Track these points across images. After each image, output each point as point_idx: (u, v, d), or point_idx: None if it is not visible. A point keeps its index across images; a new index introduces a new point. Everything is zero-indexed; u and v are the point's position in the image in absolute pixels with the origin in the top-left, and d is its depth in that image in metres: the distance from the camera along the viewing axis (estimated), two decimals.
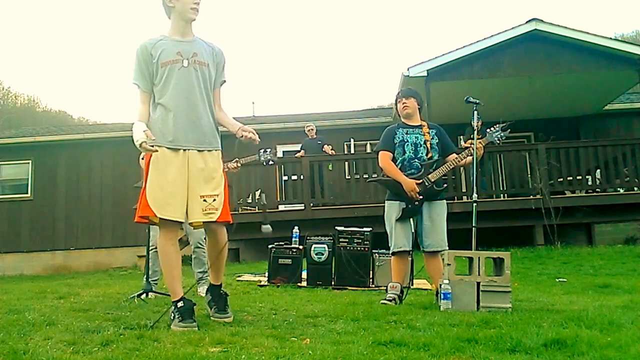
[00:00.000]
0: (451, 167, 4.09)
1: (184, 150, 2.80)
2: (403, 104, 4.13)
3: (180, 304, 2.74)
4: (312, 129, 10.22)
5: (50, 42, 73.87)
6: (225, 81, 3.03)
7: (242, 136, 2.87)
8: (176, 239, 2.93)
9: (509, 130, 4.12)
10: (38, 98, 44.37)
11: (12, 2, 65.73)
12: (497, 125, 4.14)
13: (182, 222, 2.85)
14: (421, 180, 3.92)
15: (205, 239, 4.66)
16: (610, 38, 10.60)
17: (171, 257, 2.84)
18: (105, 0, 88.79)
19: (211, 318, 2.97)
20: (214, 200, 2.80)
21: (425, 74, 9.81)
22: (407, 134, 4.06)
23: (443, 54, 9.90)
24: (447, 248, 3.89)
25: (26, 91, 52.97)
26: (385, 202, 4.10)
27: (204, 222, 2.86)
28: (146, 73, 2.84)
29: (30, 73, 65.83)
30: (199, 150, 2.83)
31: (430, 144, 4.04)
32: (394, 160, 4.04)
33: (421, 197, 3.91)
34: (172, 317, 2.75)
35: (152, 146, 2.65)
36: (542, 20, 9.80)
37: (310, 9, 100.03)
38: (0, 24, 66.88)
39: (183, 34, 2.89)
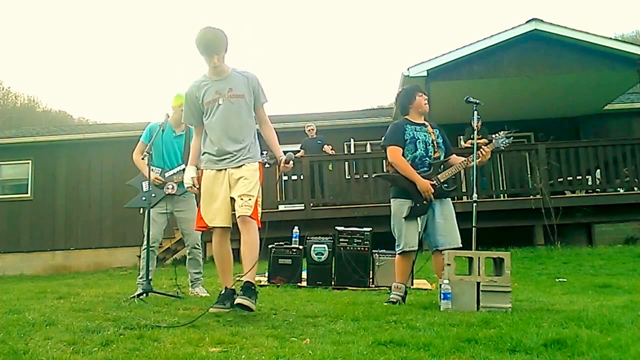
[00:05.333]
0: (459, 170, 4.09)
1: (225, 169, 3.37)
2: (426, 99, 4.10)
3: (222, 292, 3.40)
4: (312, 129, 10.22)
5: (50, 43, 73.94)
6: (266, 101, 3.51)
7: (282, 171, 3.51)
8: (227, 240, 3.47)
9: (513, 137, 4.18)
10: (38, 98, 44.32)
11: (12, 2, 65.78)
12: (502, 132, 4.17)
13: (230, 227, 3.41)
14: (433, 180, 3.92)
15: (201, 240, 4.70)
16: (610, 38, 10.61)
17: (223, 256, 3.46)
18: (105, 1, 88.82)
19: (236, 300, 3.15)
20: (249, 199, 3.28)
21: (425, 74, 9.81)
22: (416, 131, 4.02)
23: (443, 54, 9.90)
24: (462, 245, 3.89)
25: (26, 91, 52.88)
26: (393, 200, 4.02)
27: (238, 217, 3.29)
28: (195, 112, 3.47)
29: (30, 73, 65.86)
30: (237, 167, 3.37)
31: (437, 143, 4.04)
32: (403, 156, 3.97)
33: (433, 198, 3.91)
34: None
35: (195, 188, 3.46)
36: (542, 20, 9.80)
37: (311, 8, 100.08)
38: (1, 24, 66.92)
39: (218, 73, 3.39)
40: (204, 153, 3.45)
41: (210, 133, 3.40)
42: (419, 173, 3.93)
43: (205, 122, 3.42)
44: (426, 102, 4.10)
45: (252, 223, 3.30)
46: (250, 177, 3.32)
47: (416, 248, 3.92)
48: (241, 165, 3.35)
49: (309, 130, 10.21)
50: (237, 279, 3.48)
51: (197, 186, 3.44)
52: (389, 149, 4.02)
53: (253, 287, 3.22)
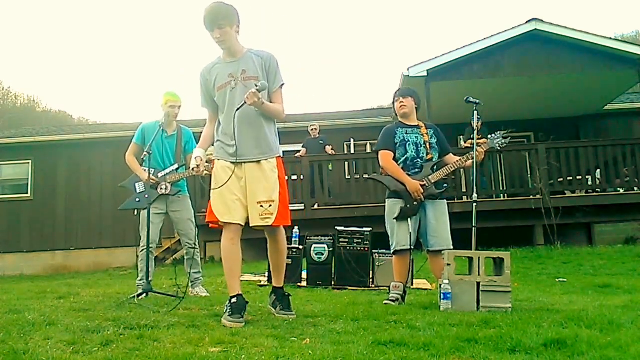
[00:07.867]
0: (452, 170, 4.10)
1: (241, 163, 3.05)
2: (400, 103, 4.15)
3: (234, 300, 2.95)
4: (315, 129, 10.22)
5: (50, 43, 73.90)
6: (283, 84, 3.13)
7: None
8: (238, 239, 3.09)
9: (510, 138, 4.16)
10: (38, 98, 44.46)
11: (12, 2, 65.73)
12: (499, 132, 4.18)
13: (242, 225, 3.07)
14: (423, 182, 3.94)
15: (198, 238, 4.69)
16: (610, 38, 10.60)
17: (233, 255, 3.08)
18: (105, 1, 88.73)
19: (276, 315, 3.17)
20: (270, 205, 3.02)
21: (425, 74, 9.81)
22: (407, 133, 4.07)
23: (443, 54, 9.90)
24: (452, 247, 3.90)
25: (26, 91, 53.01)
26: (387, 200, 4.09)
27: (261, 227, 3.07)
28: (208, 97, 3.17)
29: (30, 73, 65.90)
30: (255, 161, 3.06)
31: (430, 144, 4.07)
32: (395, 160, 4.05)
33: (423, 198, 3.93)
34: (224, 311, 2.96)
35: (204, 170, 3.10)
36: (542, 20, 9.80)
37: (310, 9, 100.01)
38: (1, 24, 66.86)
39: (232, 54, 3.11)
40: (217, 141, 3.14)
41: (223, 121, 3.10)
42: (409, 174, 3.97)
43: (220, 109, 3.12)
44: (402, 105, 4.13)
45: (279, 230, 3.16)
46: (269, 179, 3.04)
47: (408, 247, 3.94)
48: (259, 161, 3.05)
49: (312, 129, 10.20)
50: (241, 279, 3.45)
51: (204, 167, 3.08)
52: (380, 154, 4.13)
53: (287, 294, 3.28)
